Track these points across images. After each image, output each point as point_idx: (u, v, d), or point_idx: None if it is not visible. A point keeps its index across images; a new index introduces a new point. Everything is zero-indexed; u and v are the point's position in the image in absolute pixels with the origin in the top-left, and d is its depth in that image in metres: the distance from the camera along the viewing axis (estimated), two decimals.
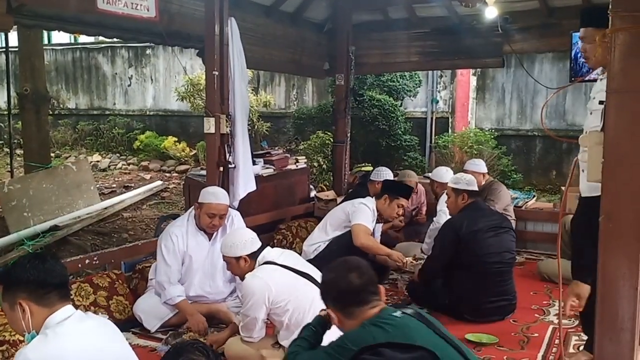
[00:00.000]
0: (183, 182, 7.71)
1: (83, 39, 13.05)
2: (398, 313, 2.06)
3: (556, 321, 4.02)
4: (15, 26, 5.53)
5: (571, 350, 3.58)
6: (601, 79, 2.96)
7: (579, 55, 5.17)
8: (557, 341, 3.69)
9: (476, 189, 4.28)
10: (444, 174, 5.38)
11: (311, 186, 6.91)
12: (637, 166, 1.70)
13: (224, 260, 3.40)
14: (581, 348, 3.49)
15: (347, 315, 2.13)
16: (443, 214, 4.87)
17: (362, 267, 2.22)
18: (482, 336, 3.73)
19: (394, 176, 5.79)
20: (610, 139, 1.73)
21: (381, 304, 2.15)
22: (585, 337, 3.62)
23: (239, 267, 3.26)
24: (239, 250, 3.23)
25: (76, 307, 3.62)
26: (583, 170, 2.67)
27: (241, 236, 3.29)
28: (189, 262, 3.98)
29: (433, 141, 10.14)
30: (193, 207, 4.10)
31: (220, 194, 4.02)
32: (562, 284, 2.56)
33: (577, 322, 4.01)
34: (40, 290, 1.97)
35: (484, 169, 5.68)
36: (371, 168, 6.66)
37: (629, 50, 1.69)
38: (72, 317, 2.00)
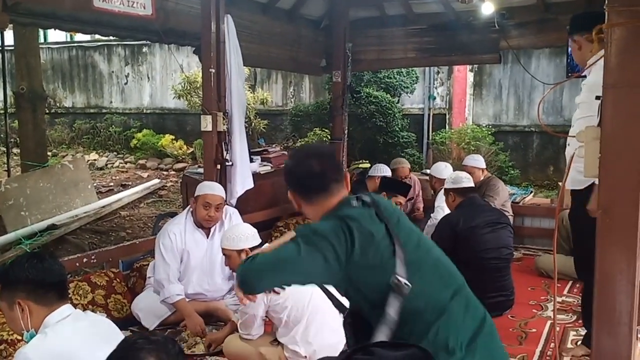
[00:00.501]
0: (180, 180, 7.70)
1: (79, 37, 13.02)
2: (358, 203, 1.94)
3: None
4: (11, 25, 5.51)
5: (569, 345, 3.59)
6: (587, 74, 3.00)
7: None
8: None
9: (464, 185, 4.28)
10: (443, 170, 5.39)
11: None
12: (634, 161, 1.70)
13: (223, 254, 3.39)
14: (579, 343, 3.50)
15: (307, 200, 2.02)
16: (440, 210, 4.88)
17: (324, 153, 2.11)
18: None
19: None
20: (607, 134, 1.73)
21: (343, 192, 2.03)
22: (582, 333, 3.63)
23: (240, 260, 3.26)
24: (242, 243, 3.23)
25: (74, 306, 3.60)
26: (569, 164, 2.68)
27: (244, 229, 3.31)
28: (187, 259, 3.97)
29: (430, 138, 10.15)
30: (190, 204, 4.11)
31: (216, 186, 4.07)
32: (559, 279, 2.59)
33: (575, 318, 4.03)
34: (39, 290, 1.98)
35: (483, 165, 5.69)
36: (369, 165, 6.66)
37: (626, 45, 1.69)
38: (71, 316, 2.01)
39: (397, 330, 1.75)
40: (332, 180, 2.00)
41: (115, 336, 2.12)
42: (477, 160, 5.69)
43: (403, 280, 1.76)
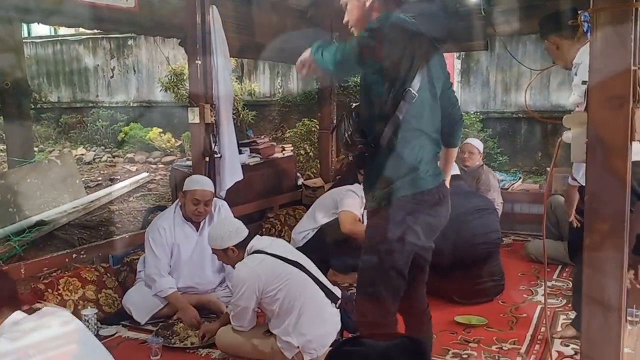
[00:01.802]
0: (169, 174, 7.66)
1: (63, 31, 12.87)
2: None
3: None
4: None
5: (559, 329, 3.62)
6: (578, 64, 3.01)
7: None
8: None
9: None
10: None
11: (298, 174, 6.91)
12: (621, 146, 1.71)
13: (212, 252, 3.40)
14: (568, 324, 3.54)
15: None
16: None
17: None
18: (471, 318, 3.76)
19: None
20: (593, 119, 1.73)
21: None
22: (572, 317, 3.67)
23: (228, 257, 3.27)
24: (225, 242, 3.22)
25: (65, 301, 3.59)
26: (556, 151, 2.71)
27: (225, 227, 3.28)
28: (178, 253, 3.96)
29: None
30: (178, 198, 4.09)
31: (204, 180, 4.04)
32: (548, 264, 2.61)
33: (564, 302, 4.07)
34: None
35: (481, 149, 5.75)
36: None
37: (612, 29, 1.69)
38: (24, 319, 2.02)
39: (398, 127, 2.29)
40: None
41: (78, 332, 2.12)
42: (479, 143, 5.78)
43: (413, 91, 2.29)
